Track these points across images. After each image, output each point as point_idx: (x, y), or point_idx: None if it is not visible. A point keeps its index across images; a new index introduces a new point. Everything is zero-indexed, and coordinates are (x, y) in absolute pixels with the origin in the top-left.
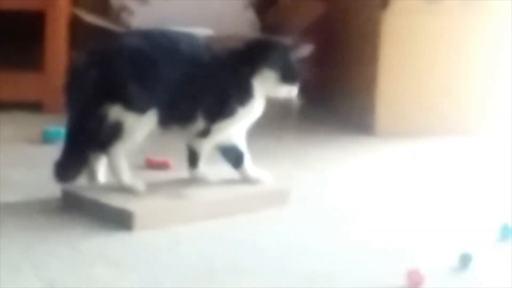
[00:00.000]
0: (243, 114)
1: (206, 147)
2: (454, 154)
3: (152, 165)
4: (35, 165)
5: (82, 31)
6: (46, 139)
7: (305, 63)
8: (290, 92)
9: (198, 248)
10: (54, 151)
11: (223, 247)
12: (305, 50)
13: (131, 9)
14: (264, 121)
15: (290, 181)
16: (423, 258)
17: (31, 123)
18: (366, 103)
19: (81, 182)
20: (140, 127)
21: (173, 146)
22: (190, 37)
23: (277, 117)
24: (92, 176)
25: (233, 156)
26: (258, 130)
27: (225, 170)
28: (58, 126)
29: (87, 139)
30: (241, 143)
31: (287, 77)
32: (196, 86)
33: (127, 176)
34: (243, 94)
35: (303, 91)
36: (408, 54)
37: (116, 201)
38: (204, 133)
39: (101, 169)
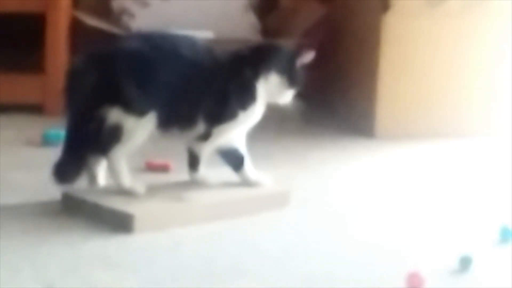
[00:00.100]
0: (244, 118)
1: (207, 150)
2: (454, 156)
3: (152, 168)
4: (35, 167)
5: (83, 34)
6: (47, 141)
7: (306, 66)
8: (290, 97)
9: (198, 250)
10: (54, 154)
11: (224, 249)
12: (307, 56)
13: (132, 11)
14: (264, 124)
15: (290, 183)
16: (423, 260)
17: (32, 126)
18: (366, 106)
19: (81, 185)
20: (139, 130)
21: (173, 149)
22: (191, 40)
23: (277, 120)
24: (92, 178)
25: (234, 159)
26: (258, 133)
27: (225, 172)
28: (58, 129)
29: (86, 141)
30: (241, 146)
31: (291, 82)
32: (197, 89)
33: (127, 179)
34: (246, 98)
35: (303, 94)
36: (408, 57)
37: (116, 203)
38: (205, 137)
39: (101, 171)
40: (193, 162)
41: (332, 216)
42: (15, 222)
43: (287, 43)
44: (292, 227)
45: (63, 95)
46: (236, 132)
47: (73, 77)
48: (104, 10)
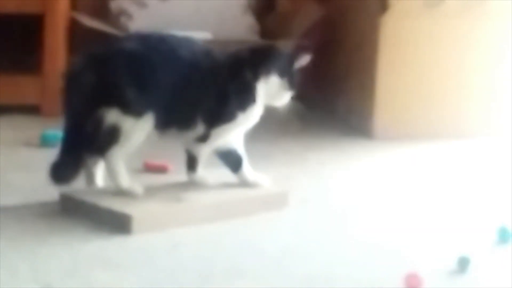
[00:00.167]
0: (243, 119)
1: (205, 151)
2: (452, 157)
3: (151, 169)
4: (33, 168)
5: (81, 35)
6: (44, 142)
7: (305, 67)
8: (287, 99)
9: (196, 251)
10: (52, 155)
11: (222, 250)
12: (304, 59)
13: (130, 12)
14: (263, 124)
15: (289, 184)
16: (421, 261)
17: (30, 127)
18: (365, 107)
19: (79, 186)
20: (137, 131)
21: (172, 150)
22: (189, 41)
23: (276, 121)
24: (90, 179)
25: (232, 160)
26: (256, 133)
27: (224, 173)
28: (56, 130)
29: (83, 142)
30: (240, 147)
31: (289, 84)
32: (196, 91)
33: (125, 180)
34: (246, 99)
35: (302, 95)
36: (407, 58)
37: (114, 204)
38: (204, 138)
39: (99, 172)
40: (192, 163)
41: (331, 217)
42: (13, 223)
43: (285, 45)
44: (291, 227)
45: (61, 96)
46: (234, 133)
47: (71, 78)
48: (102, 11)
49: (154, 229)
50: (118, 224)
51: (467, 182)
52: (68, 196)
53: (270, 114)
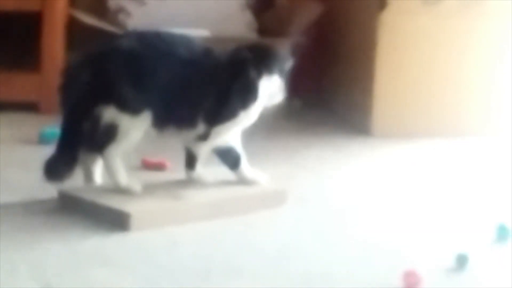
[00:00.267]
0: (244, 117)
1: (205, 150)
2: (451, 155)
3: (149, 166)
4: (31, 166)
5: (79, 32)
6: (43, 140)
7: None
8: (281, 97)
9: (195, 249)
10: (50, 152)
11: (220, 248)
12: (291, 62)
13: (128, 10)
14: (261, 122)
15: (287, 182)
16: (419, 259)
17: (28, 124)
18: (363, 104)
19: (77, 183)
20: (134, 129)
21: (170, 147)
22: (187, 39)
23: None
24: (89, 177)
25: (230, 158)
26: (255, 131)
27: (222, 171)
28: (55, 127)
29: (79, 140)
30: (237, 145)
31: (284, 83)
32: (197, 90)
33: (123, 177)
34: (248, 97)
35: (301, 92)
36: (405, 55)
37: (112, 202)
38: (204, 137)
39: (98, 170)
40: (191, 161)
41: (329, 215)
42: (11, 221)
43: (283, 42)
44: (289, 225)
45: (58, 93)
46: (234, 132)
47: (68, 75)
48: (101, 8)
49: (152, 226)
50: (117, 221)
51: (466, 180)
52: (66, 193)
53: (268, 112)
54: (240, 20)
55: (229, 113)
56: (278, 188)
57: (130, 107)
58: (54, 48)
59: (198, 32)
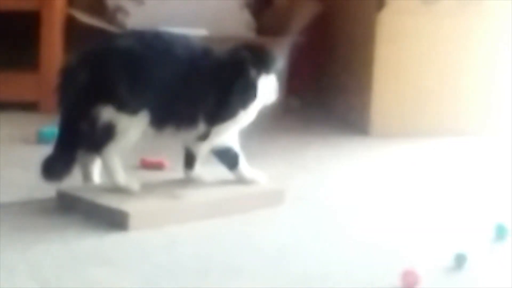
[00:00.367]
0: (243, 116)
1: (204, 149)
2: (449, 155)
3: (147, 165)
4: (30, 165)
5: (78, 32)
6: (42, 139)
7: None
8: (275, 96)
9: (193, 248)
10: (49, 152)
11: (219, 247)
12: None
13: (127, 9)
14: (260, 121)
15: (285, 181)
16: (418, 258)
17: (27, 123)
18: (361, 104)
19: (76, 183)
20: (132, 129)
21: (168, 147)
22: (185, 39)
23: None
24: (87, 176)
25: (228, 158)
26: (253, 130)
27: (220, 170)
28: (54, 127)
29: (77, 139)
30: (235, 145)
31: (279, 82)
32: (196, 89)
33: (121, 177)
34: (248, 97)
35: (299, 91)
36: (404, 55)
37: (111, 201)
38: (203, 136)
39: (96, 169)
40: (189, 160)
41: (327, 214)
42: (10, 220)
43: (282, 41)
44: (287, 225)
45: (56, 93)
46: (233, 131)
47: (65, 75)
48: (99, 8)
49: (151, 226)
50: (115, 221)
51: (464, 179)
52: (65, 193)
53: (266, 111)
54: (238, 20)
55: (229, 113)
56: (277, 187)
57: (128, 107)
58: (53, 48)
59: (196, 32)
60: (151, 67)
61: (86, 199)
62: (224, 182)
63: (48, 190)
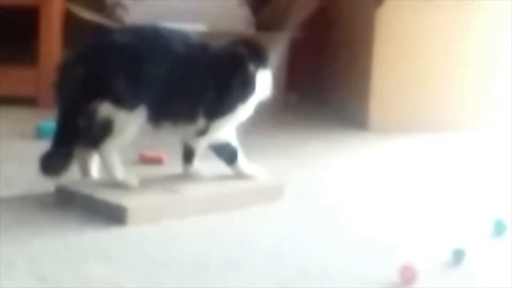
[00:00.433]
0: (242, 111)
1: (203, 145)
2: (447, 150)
3: (146, 160)
4: (28, 160)
5: (77, 27)
6: (40, 134)
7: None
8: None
9: (192, 243)
10: (47, 147)
11: (217, 242)
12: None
13: (125, 5)
14: (258, 117)
15: (284, 176)
16: (416, 253)
17: (25, 119)
18: (360, 99)
19: (74, 178)
20: (130, 124)
21: (167, 141)
22: (183, 34)
23: (271, 113)
24: (85, 171)
25: (227, 153)
26: (252, 126)
27: (219, 165)
28: (52, 122)
29: (75, 135)
30: (233, 140)
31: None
32: (195, 84)
33: (120, 172)
34: (247, 91)
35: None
36: (402, 51)
37: (109, 196)
38: (202, 131)
39: (94, 164)
40: (188, 156)
41: (326, 209)
42: (8, 215)
43: (280, 37)
44: (286, 220)
45: (53, 89)
46: (231, 126)
47: (63, 71)
48: (98, 3)
49: (149, 221)
50: (114, 215)
51: (463, 174)
52: (63, 188)
53: (265, 106)
54: (237, 15)
55: (229, 107)
56: (275, 182)
57: (125, 103)
58: (52, 43)
59: (195, 27)
60: (148, 63)
61: (85, 194)
62: (223, 177)
63: (46, 184)
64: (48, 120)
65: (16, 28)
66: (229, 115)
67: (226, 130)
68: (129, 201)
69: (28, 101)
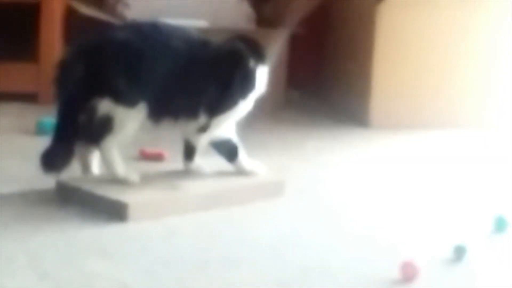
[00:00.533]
0: (242, 106)
1: (204, 141)
2: (448, 147)
3: (146, 157)
4: (29, 156)
5: (78, 23)
6: (41, 130)
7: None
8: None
9: (192, 240)
10: (48, 143)
11: (218, 239)
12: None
13: (127, 1)
14: (259, 113)
15: (285, 173)
16: (417, 250)
17: (26, 114)
18: (361, 96)
19: (75, 174)
20: (130, 121)
21: (168, 138)
22: (183, 30)
23: (272, 109)
24: (86, 168)
25: (227, 150)
26: (253, 122)
27: (220, 162)
28: (52, 118)
29: (75, 131)
30: (234, 136)
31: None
32: (196, 81)
33: (120, 168)
34: (247, 87)
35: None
36: (403, 47)
37: (110, 192)
38: (203, 128)
39: (95, 161)
40: (189, 152)
41: (326, 206)
42: (9, 211)
43: (281, 33)
44: (286, 216)
45: (53, 85)
46: (231, 121)
47: (63, 68)
48: None
49: (150, 217)
50: (114, 212)
51: (464, 171)
52: (64, 184)
53: (267, 103)
54: (238, 11)
55: (230, 103)
56: (276, 179)
57: (125, 99)
58: (53, 39)
59: (196, 23)
60: (148, 59)
61: (85, 190)
62: (224, 174)
63: (47, 181)
64: (49, 116)
65: (16, 24)
66: (230, 111)
67: (227, 126)
68: (130, 198)
69: (28, 97)
